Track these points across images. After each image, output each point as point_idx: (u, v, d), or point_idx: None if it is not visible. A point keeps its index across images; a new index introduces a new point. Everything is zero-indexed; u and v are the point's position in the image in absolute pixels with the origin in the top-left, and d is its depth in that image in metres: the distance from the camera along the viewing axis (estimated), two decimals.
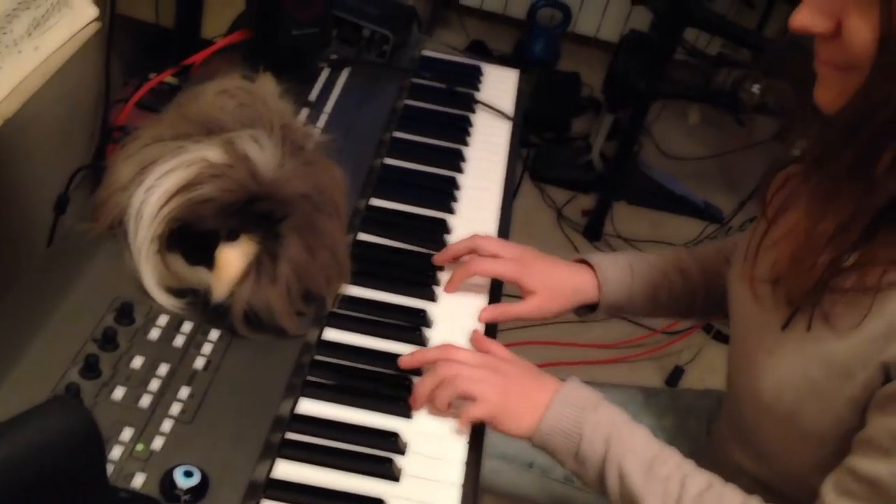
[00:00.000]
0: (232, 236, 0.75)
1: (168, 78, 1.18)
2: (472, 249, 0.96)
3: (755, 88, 2.17)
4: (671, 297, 1.00)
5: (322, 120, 1.11)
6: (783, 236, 0.76)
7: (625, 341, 2.05)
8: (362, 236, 0.99)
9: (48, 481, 0.42)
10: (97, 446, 0.46)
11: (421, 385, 0.81)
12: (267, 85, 0.99)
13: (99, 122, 1.67)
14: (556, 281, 0.96)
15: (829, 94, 0.68)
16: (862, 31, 0.63)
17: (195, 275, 0.77)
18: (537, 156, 2.63)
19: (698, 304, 1.02)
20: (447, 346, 0.84)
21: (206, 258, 0.75)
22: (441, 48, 1.39)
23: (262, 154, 0.81)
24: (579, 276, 0.98)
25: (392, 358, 0.84)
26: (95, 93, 1.65)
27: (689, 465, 0.77)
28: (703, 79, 2.52)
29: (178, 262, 0.77)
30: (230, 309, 0.76)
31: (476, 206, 1.08)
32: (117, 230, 0.84)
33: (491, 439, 1.01)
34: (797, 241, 0.73)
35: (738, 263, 0.85)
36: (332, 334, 0.86)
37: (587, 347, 1.99)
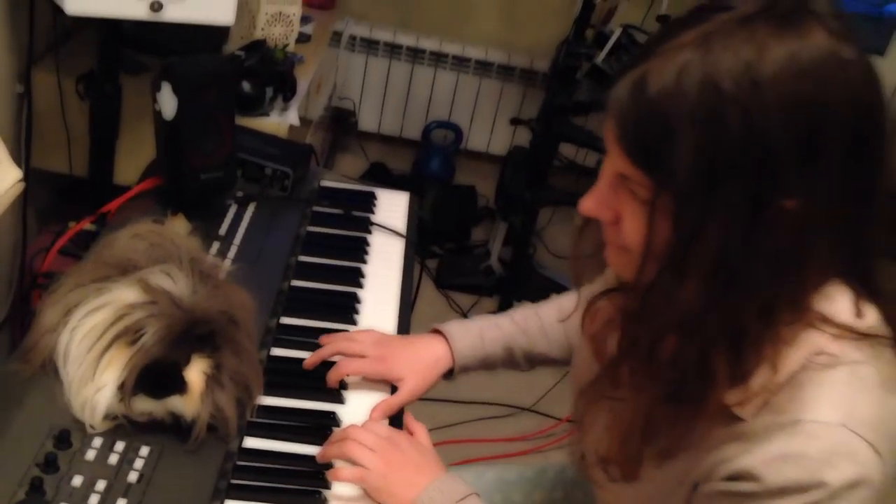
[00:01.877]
0: (186, 361, 0.87)
1: (87, 225, 1.29)
2: (338, 352, 1.08)
3: None
4: (524, 355, 1.15)
5: (232, 251, 1.23)
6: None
7: (535, 433, 2.17)
8: (275, 351, 1.11)
9: None
10: None
11: (324, 448, 0.96)
12: (175, 226, 1.12)
13: (17, 270, 1.76)
14: (418, 362, 1.10)
15: (614, 263, 0.81)
16: (633, 232, 0.74)
17: (165, 405, 0.88)
18: (441, 265, 2.80)
19: (553, 355, 1.16)
20: (353, 426, 0.97)
21: (175, 387, 0.86)
22: (338, 178, 1.55)
23: (176, 285, 0.93)
24: (435, 349, 1.12)
25: (306, 458, 0.95)
26: (11, 243, 1.74)
27: None
28: (583, 186, 2.75)
29: (144, 402, 0.88)
30: (196, 422, 0.87)
31: (376, 316, 1.21)
32: (48, 367, 0.94)
33: None
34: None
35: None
36: (251, 442, 0.97)
37: (499, 442, 2.11)
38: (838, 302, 0.75)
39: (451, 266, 2.82)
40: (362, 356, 1.08)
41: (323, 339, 1.11)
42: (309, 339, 1.13)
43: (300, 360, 1.10)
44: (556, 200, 2.62)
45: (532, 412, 2.26)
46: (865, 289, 0.76)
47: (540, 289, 2.72)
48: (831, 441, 0.71)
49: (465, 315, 2.61)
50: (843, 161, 0.69)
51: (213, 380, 0.88)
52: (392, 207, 1.49)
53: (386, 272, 1.32)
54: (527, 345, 1.17)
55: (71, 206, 1.48)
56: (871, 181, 0.72)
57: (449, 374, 1.15)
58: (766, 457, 0.72)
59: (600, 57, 2.27)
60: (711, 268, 0.69)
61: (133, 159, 1.54)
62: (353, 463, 0.93)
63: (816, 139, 0.67)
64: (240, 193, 1.36)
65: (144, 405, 0.89)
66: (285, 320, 1.17)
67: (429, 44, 3.31)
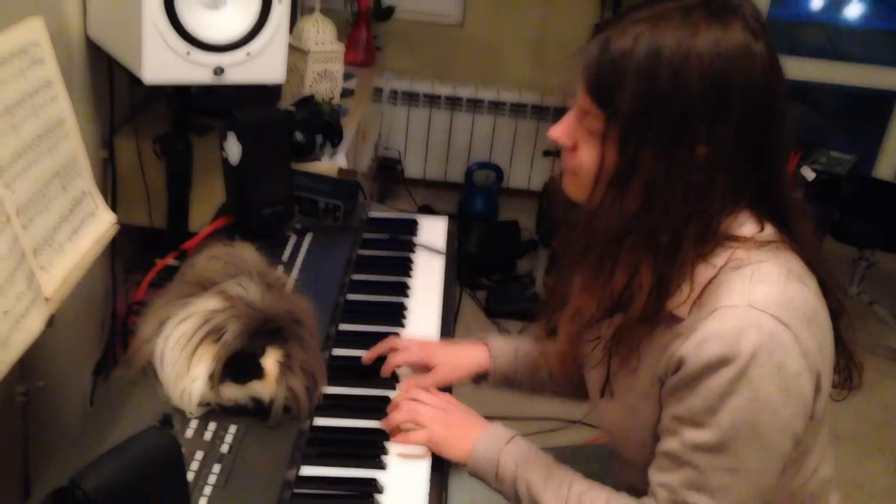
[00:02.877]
0: (262, 351, 1.05)
1: (171, 261, 1.50)
2: (391, 348, 1.26)
3: None
4: (543, 377, 1.29)
5: (294, 273, 1.42)
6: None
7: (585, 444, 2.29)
8: (336, 352, 1.29)
9: (147, 480, 0.70)
10: (179, 455, 0.74)
11: (389, 415, 1.13)
12: (244, 247, 1.32)
13: (109, 313, 1.98)
14: (456, 357, 1.28)
15: (569, 188, 1.04)
16: (587, 157, 0.98)
17: (247, 390, 1.06)
18: (489, 296, 2.97)
19: (565, 387, 1.29)
20: (413, 391, 1.15)
21: (254, 373, 1.05)
22: (384, 209, 1.74)
23: (248, 293, 1.12)
24: (475, 352, 1.29)
25: (366, 430, 1.13)
26: (102, 290, 1.97)
27: (578, 476, 1.06)
28: None
29: (230, 389, 1.06)
30: (273, 403, 1.05)
31: (421, 322, 1.39)
32: (149, 370, 1.14)
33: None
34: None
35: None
36: (320, 421, 1.14)
37: None
38: (746, 224, 0.96)
39: (499, 295, 2.98)
40: (407, 348, 1.26)
41: (365, 358, 1.28)
42: (364, 341, 1.31)
43: (358, 358, 1.28)
44: None
45: (582, 424, 2.38)
46: (768, 214, 0.99)
47: None
48: (739, 319, 0.90)
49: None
50: (741, 126, 0.91)
51: (284, 367, 1.06)
52: (432, 231, 1.67)
53: (428, 285, 1.50)
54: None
55: (153, 256, 1.68)
56: (765, 143, 0.94)
57: (482, 379, 1.30)
58: (693, 343, 0.92)
59: None
60: (645, 188, 0.91)
61: (204, 208, 1.76)
62: (416, 426, 1.11)
63: (723, 106, 0.90)
64: (298, 225, 1.56)
65: (230, 391, 1.07)
66: (343, 327, 1.35)
67: (465, 91, 3.53)
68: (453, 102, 3.55)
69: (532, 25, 3.51)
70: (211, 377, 1.06)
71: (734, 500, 0.95)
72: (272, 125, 1.48)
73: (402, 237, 1.62)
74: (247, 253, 1.25)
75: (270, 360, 1.06)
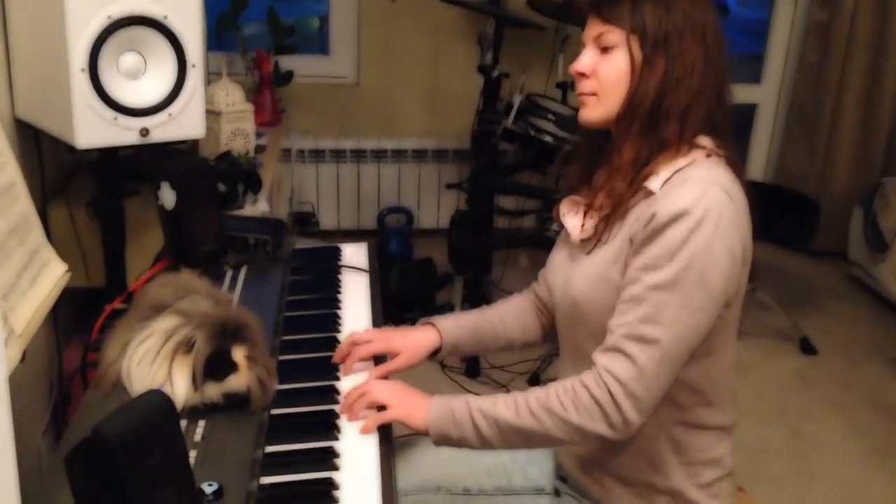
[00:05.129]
0: (230, 349, 1.22)
1: (119, 305, 1.63)
2: (354, 342, 1.44)
3: (554, 226, 2.81)
4: (485, 338, 1.54)
5: (235, 300, 1.59)
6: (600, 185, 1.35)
7: None
8: (282, 357, 1.45)
9: (152, 428, 0.86)
10: (174, 409, 0.90)
11: (344, 401, 1.30)
12: (189, 273, 1.48)
13: (55, 370, 2.08)
14: (413, 340, 1.48)
15: (588, 114, 1.32)
16: (609, 69, 1.28)
17: (226, 385, 1.22)
18: None
19: (506, 339, 1.54)
20: (367, 384, 1.33)
21: (230, 369, 1.20)
22: (308, 242, 1.92)
23: (200, 306, 1.29)
24: (426, 332, 1.51)
25: (321, 413, 1.29)
26: (47, 351, 2.07)
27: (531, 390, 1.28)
28: (517, 230, 3.17)
29: (212, 388, 1.22)
30: (249, 390, 1.21)
31: (354, 327, 1.56)
32: (118, 388, 1.28)
33: (404, 480, 1.45)
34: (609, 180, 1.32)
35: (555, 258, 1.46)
36: (277, 410, 1.30)
37: None
38: (704, 139, 1.29)
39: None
40: (369, 340, 1.44)
41: (335, 358, 1.45)
42: (306, 346, 1.48)
43: (302, 360, 1.44)
44: (500, 245, 3.01)
45: None
46: (719, 136, 1.31)
47: None
48: (701, 186, 1.21)
49: (441, 363, 2.94)
50: (708, 46, 1.27)
51: (251, 359, 1.22)
52: (355, 255, 1.86)
53: (357, 297, 1.68)
54: (492, 327, 1.54)
55: (94, 315, 1.80)
56: (724, 72, 1.30)
57: (435, 354, 1.51)
58: (664, 200, 1.19)
59: (509, 121, 2.70)
60: (665, 63, 1.25)
61: (140, 263, 1.90)
62: (377, 408, 1.29)
63: (692, 24, 1.26)
64: (232, 261, 1.73)
65: (212, 390, 1.22)
66: (286, 337, 1.51)
67: (368, 143, 3.77)
68: (358, 154, 3.78)
69: (422, 78, 3.78)
70: (194, 382, 1.22)
71: (678, 332, 1.20)
72: (199, 171, 1.65)
73: (328, 262, 1.80)
74: (192, 277, 1.41)
75: (239, 356, 1.22)
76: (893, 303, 3.40)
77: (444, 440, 1.29)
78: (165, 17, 1.71)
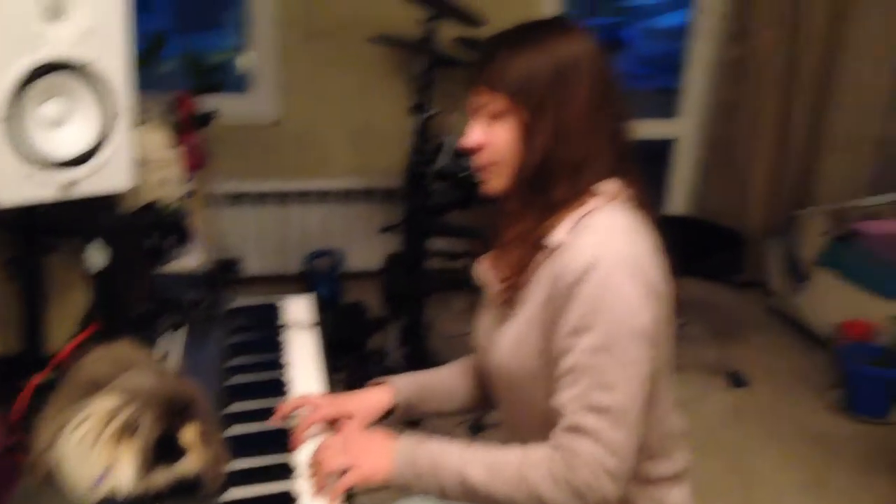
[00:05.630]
0: (179, 430, 1.11)
1: (46, 376, 1.50)
2: (300, 404, 1.36)
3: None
4: (441, 397, 1.49)
5: (173, 367, 1.48)
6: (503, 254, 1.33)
7: None
8: (230, 432, 1.35)
9: None
10: None
11: (313, 479, 1.23)
12: (125, 344, 1.36)
13: None
14: (366, 402, 1.43)
15: (491, 186, 1.29)
16: (499, 137, 1.25)
17: (176, 470, 1.11)
18: (348, 377, 3.05)
19: (466, 397, 1.49)
20: (316, 452, 1.25)
21: (179, 452, 1.10)
22: (246, 300, 1.82)
23: (142, 382, 1.18)
24: (379, 393, 1.45)
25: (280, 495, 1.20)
26: None
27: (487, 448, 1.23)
28: (452, 271, 3.12)
29: (160, 475, 1.10)
30: (201, 474, 1.11)
31: (305, 390, 1.48)
32: (51, 479, 1.16)
33: None
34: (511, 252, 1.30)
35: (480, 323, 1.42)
36: (233, 494, 1.20)
37: None
38: (605, 184, 1.26)
39: (356, 375, 3.07)
40: (318, 406, 1.36)
41: (273, 419, 1.37)
42: (255, 418, 1.38)
43: (253, 434, 1.35)
44: (436, 288, 2.95)
45: None
46: (621, 175, 1.27)
47: None
48: (602, 235, 1.19)
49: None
50: (597, 87, 1.24)
51: (203, 439, 1.12)
52: (297, 309, 1.78)
53: (304, 358, 1.59)
54: (444, 386, 1.50)
55: (11, 384, 1.65)
56: (618, 116, 1.27)
57: (389, 415, 1.45)
58: (570, 255, 1.19)
59: (443, 161, 2.66)
60: (552, 124, 1.22)
61: (62, 327, 1.76)
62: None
63: (579, 70, 1.23)
64: (168, 322, 1.62)
65: (160, 477, 1.12)
66: (232, 409, 1.41)
67: (294, 185, 3.67)
68: (283, 197, 3.68)
69: (349, 116, 3.71)
70: (140, 469, 1.11)
71: (629, 390, 1.16)
72: (130, 226, 1.54)
73: (268, 320, 1.71)
74: (129, 348, 1.30)
75: (189, 436, 1.12)
76: (813, 332, 3.49)
77: (407, 490, 1.25)
78: (91, 63, 1.60)
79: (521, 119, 1.24)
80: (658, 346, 1.22)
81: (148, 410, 1.12)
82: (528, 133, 1.23)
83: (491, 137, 1.26)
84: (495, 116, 1.25)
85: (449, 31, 3.15)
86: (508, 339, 1.29)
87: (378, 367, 3.08)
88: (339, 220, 3.73)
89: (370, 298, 3.48)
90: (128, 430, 1.12)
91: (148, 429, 1.11)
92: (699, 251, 3.28)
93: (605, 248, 1.17)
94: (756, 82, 3.84)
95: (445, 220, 2.83)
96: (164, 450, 1.11)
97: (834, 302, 3.36)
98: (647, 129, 4.01)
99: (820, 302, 3.44)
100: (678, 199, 4.16)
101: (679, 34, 4.13)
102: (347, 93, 3.68)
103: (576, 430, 1.16)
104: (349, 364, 3.14)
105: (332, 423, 1.39)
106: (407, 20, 3.30)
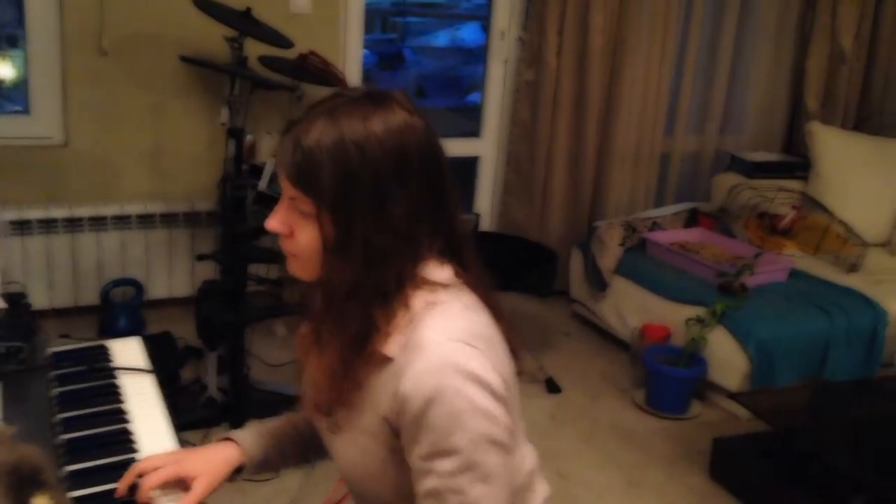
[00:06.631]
0: (26, 501, 0.97)
1: None
2: (139, 473, 1.23)
3: None
4: (293, 445, 1.39)
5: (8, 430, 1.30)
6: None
7: None
8: (73, 494, 1.21)
9: None
10: None
11: None
12: None
13: None
14: (210, 462, 1.29)
15: (294, 271, 1.18)
16: (305, 237, 1.13)
17: None
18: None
19: (318, 444, 1.38)
20: None
21: None
22: (64, 342, 1.65)
23: None
24: (225, 450, 1.33)
25: None
26: None
27: None
28: (275, 298, 3.02)
29: None
30: None
31: (155, 443, 1.35)
32: None
33: None
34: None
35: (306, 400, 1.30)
36: None
37: None
38: (436, 269, 1.16)
39: (173, 410, 2.87)
40: (160, 467, 1.23)
41: (118, 492, 1.22)
42: (99, 477, 1.25)
43: (100, 494, 1.21)
44: (258, 316, 2.83)
45: None
46: (449, 257, 1.18)
47: (264, 403, 2.89)
48: (442, 351, 1.09)
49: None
50: (422, 183, 1.12)
51: None
52: (127, 352, 1.63)
53: (146, 406, 1.46)
54: (298, 432, 1.40)
55: None
56: (443, 196, 1.16)
57: (237, 473, 1.33)
58: (410, 381, 1.08)
59: (263, 184, 2.56)
60: (361, 250, 1.10)
61: None
62: None
63: (404, 169, 1.10)
64: None
65: None
66: (72, 468, 1.27)
67: (84, 210, 3.39)
68: (72, 223, 3.38)
69: (142, 137, 3.49)
70: None
71: (494, 500, 1.11)
72: None
73: (99, 365, 1.56)
74: None
75: None
76: (615, 335, 3.72)
77: None
78: None
79: (329, 233, 1.11)
80: (513, 434, 1.16)
81: None
82: (335, 251, 1.11)
83: (295, 232, 1.14)
84: (301, 213, 1.12)
85: (254, 49, 3.05)
86: (350, 451, 1.20)
87: (193, 399, 2.90)
88: (138, 246, 3.48)
89: (176, 328, 3.29)
90: None
91: None
92: (516, 269, 3.40)
93: (444, 372, 1.07)
94: (550, 104, 4.05)
95: (262, 244, 2.73)
96: None
97: (633, 307, 3.61)
98: (451, 147, 4.11)
99: (620, 308, 3.68)
100: (484, 214, 4.29)
101: (451, 53, 4.26)
102: (139, 112, 3.45)
103: None
104: (165, 397, 2.93)
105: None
106: (209, 38, 3.16)
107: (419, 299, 1.13)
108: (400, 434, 1.12)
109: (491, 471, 1.10)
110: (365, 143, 1.08)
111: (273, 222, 1.16)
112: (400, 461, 1.15)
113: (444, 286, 1.15)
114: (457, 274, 1.18)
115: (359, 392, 1.15)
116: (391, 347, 1.12)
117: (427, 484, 1.11)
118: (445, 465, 1.09)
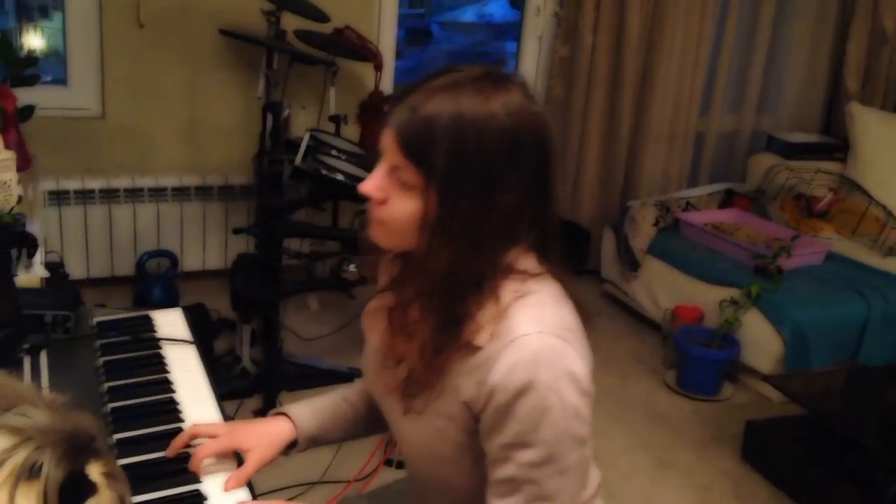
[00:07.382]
0: (84, 468, 0.98)
1: None
2: (193, 436, 1.25)
3: (352, 267, 2.71)
4: (346, 423, 1.40)
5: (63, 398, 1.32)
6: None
7: (331, 500, 2.35)
8: (121, 462, 1.23)
9: None
10: None
11: None
12: (2, 375, 1.21)
13: None
14: (265, 436, 1.31)
15: (376, 239, 1.15)
16: (399, 208, 1.09)
17: None
18: None
19: (371, 420, 1.41)
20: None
21: (89, 492, 0.97)
22: (110, 311, 1.67)
23: (35, 418, 1.05)
24: (279, 425, 1.34)
25: None
26: None
27: None
28: (307, 273, 3.04)
29: None
30: None
31: (198, 413, 1.37)
32: None
33: None
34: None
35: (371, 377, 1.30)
36: None
37: None
38: (523, 258, 1.13)
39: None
40: (215, 435, 1.25)
41: (168, 451, 1.25)
42: (146, 446, 1.27)
43: (147, 463, 1.23)
44: (293, 291, 2.85)
45: (323, 483, 2.44)
46: (536, 247, 1.14)
47: (296, 376, 2.92)
48: (534, 344, 1.07)
49: (231, 418, 2.72)
50: (533, 172, 1.08)
51: (110, 476, 1.01)
52: (170, 323, 1.65)
53: (190, 376, 1.48)
54: (353, 408, 1.41)
55: None
56: (549, 186, 1.11)
57: (290, 448, 1.35)
58: (500, 373, 1.06)
59: (298, 159, 2.57)
60: (462, 233, 1.06)
61: None
62: None
63: (519, 156, 1.06)
64: (27, 345, 1.45)
65: None
66: (120, 436, 1.29)
67: (121, 182, 3.42)
68: (109, 195, 3.42)
69: (178, 111, 3.51)
70: None
71: (568, 496, 1.11)
72: None
73: (143, 335, 1.58)
74: (10, 380, 1.15)
75: (96, 474, 1.00)
76: (646, 316, 3.71)
77: None
78: None
79: (431, 210, 1.06)
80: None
81: (49, 450, 0.99)
82: (434, 230, 1.07)
83: (390, 200, 1.10)
84: (403, 184, 1.08)
85: (290, 23, 3.05)
86: (424, 433, 1.18)
87: (227, 371, 2.94)
88: (172, 219, 3.52)
89: (210, 300, 3.32)
90: (25, 472, 0.99)
91: (52, 470, 0.98)
92: None
93: (537, 366, 1.05)
94: (584, 80, 4.01)
95: (299, 219, 2.75)
96: (73, 491, 0.99)
97: (665, 288, 3.59)
98: None
99: (652, 288, 3.66)
100: None
101: (479, 29, 4.22)
102: (175, 85, 3.47)
103: None
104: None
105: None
106: (245, 11, 3.16)
107: (508, 288, 1.10)
108: (479, 419, 1.11)
109: (569, 465, 1.09)
110: (484, 124, 1.04)
111: (369, 187, 1.11)
112: (474, 444, 1.13)
113: (533, 276, 1.12)
114: (539, 262, 1.14)
115: (441, 377, 1.13)
116: (481, 337, 1.09)
117: (504, 471, 1.10)
118: (526, 455, 1.08)
